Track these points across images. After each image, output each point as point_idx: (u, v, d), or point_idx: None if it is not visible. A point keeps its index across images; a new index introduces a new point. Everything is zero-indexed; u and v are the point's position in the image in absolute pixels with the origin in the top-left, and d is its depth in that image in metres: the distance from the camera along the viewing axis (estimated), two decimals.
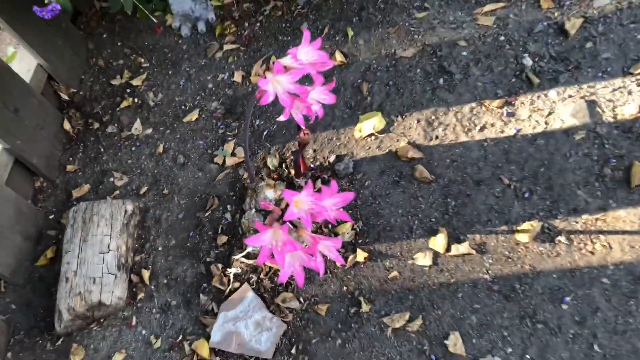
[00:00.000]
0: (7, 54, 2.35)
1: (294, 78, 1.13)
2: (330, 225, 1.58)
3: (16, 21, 1.94)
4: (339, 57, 1.89)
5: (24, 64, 2.08)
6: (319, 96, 1.18)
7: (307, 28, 2.02)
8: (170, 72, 2.15)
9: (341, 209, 1.08)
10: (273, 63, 1.11)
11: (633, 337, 1.23)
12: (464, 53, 1.74)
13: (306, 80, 1.45)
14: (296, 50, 1.13)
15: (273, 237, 1.03)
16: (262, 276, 1.57)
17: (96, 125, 2.10)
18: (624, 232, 1.35)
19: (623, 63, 1.58)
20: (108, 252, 1.69)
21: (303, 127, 1.24)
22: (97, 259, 1.68)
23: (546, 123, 1.55)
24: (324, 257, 1.09)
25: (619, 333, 1.24)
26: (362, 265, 1.51)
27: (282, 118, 1.16)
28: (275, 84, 1.12)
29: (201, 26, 2.24)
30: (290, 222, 1.05)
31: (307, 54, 1.15)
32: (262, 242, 1.02)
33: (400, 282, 1.45)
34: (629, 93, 1.52)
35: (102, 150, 2.04)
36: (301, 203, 1.02)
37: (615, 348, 1.23)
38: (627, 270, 1.30)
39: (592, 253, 1.35)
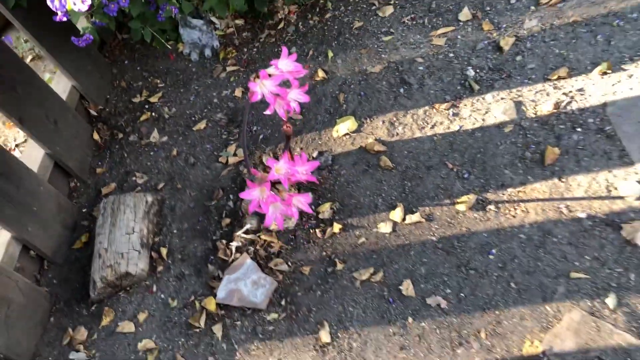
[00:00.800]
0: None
1: (276, 82, 1.53)
2: (313, 207, 1.97)
3: (55, 50, 2.37)
4: (320, 73, 2.30)
5: (61, 85, 2.51)
6: (296, 96, 1.58)
7: (295, 51, 2.44)
8: (181, 91, 2.57)
9: (310, 173, 1.47)
10: (260, 71, 1.51)
11: (540, 275, 1.59)
12: (421, 68, 2.15)
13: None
14: (277, 62, 1.54)
15: (260, 193, 1.41)
16: (257, 247, 1.95)
17: (120, 135, 2.51)
18: (537, 200, 1.72)
19: (544, 71, 1.97)
20: (133, 233, 2.08)
21: (285, 120, 1.63)
22: (124, 239, 2.06)
23: (483, 120, 1.94)
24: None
25: (530, 273, 1.61)
26: (338, 235, 1.89)
27: (267, 112, 1.55)
28: (262, 87, 1.52)
29: (207, 52, 2.66)
30: (273, 183, 1.43)
31: (285, 64, 1.56)
32: (252, 195, 1.41)
33: (367, 246, 1.83)
34: (547, 94, 1.91)
35: (125, 155, 2.44)
36: (280, 169, 1.41)
37: (526, 284, 1.59)
38: (539, 227, 1.67)
39: (513, 217, 1.72)
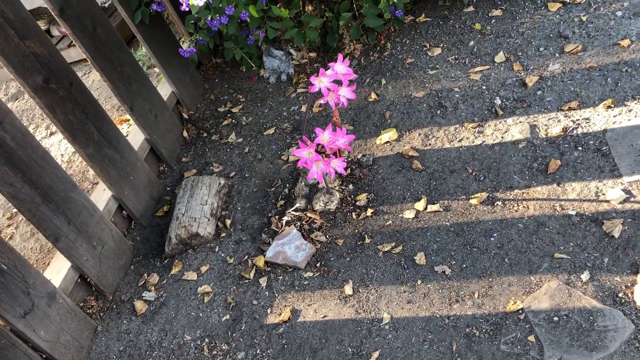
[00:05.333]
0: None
1: (330, 79, 1.99)
2: (352, 196, 2.38)
3: (164, 61, 2.96)
4: (373, 96, 2.76)
5: (163, 90, 3.09)
6: (345, 92, 2.04)
7: (356, 80, 2.92)
8: (258, 105, 3.09)
9: (347, 144, 1.90)
10: (319, 69, 1.98)
11: (530, 254, 1.92)
12: (456, 95, 2.57)
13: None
14: (334, 64, 2.01)
15: (308, 154, 1.85)
16: (303, 222, 2.37)
17: (205, 134, 3.04)
18: (537, 199, 2.06)
19: (558, 103, 2.34)
20: (205, 205, 2.55)
21: (334, 110, 2.08)
22: (198, 208, 2.54)
23: (502, 137, 2.32)
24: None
25: (522, 252, 1.94)
26: (370, 218, 2.28)
27: (322, 101, 2.01)
28: (320, 82, 1.99)
29: (283, 77, 3.19)
30: (319, 149, 1.87)
31: (340, 68, 2.03)
32: (301, 154, 1.85)
33: (392, 227, 2.21)
34: (558, 121, 2.28)
35: (207, 150, 2.96)
36: (325, 138, 1.85)
37: (517, 260, 1.92)
38: (534, 219, 2.01)
39: (516, 211, 2.07)
